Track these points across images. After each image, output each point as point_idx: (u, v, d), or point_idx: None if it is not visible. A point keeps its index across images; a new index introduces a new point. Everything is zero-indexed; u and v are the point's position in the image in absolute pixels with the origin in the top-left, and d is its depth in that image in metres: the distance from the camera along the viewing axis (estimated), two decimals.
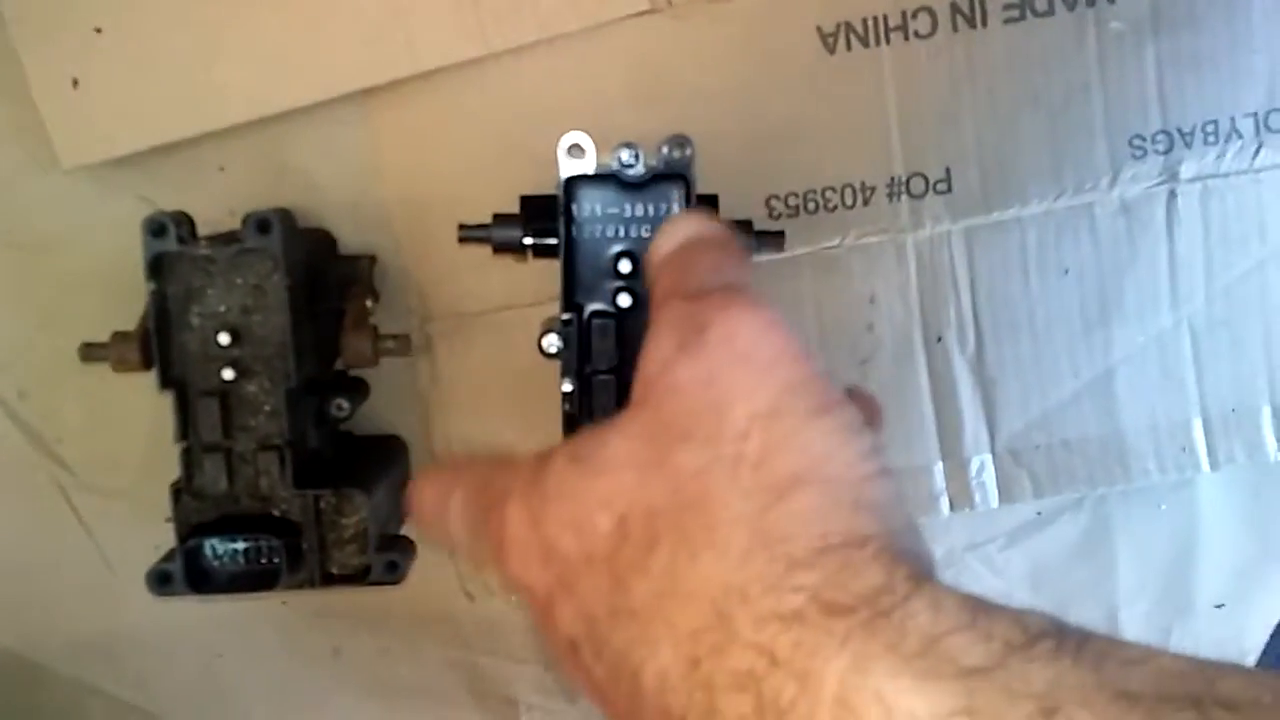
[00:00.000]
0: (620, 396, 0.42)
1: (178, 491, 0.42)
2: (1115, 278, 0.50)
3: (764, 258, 0.47)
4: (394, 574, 0.43)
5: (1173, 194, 0.49)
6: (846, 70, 0.48)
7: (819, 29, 0.48)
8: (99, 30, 0.44)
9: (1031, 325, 0.50)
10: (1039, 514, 0.52)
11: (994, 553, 0.52)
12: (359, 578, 0.43)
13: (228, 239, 0.43)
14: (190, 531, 0.42)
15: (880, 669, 0.21)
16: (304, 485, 0.42)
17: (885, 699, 0.20)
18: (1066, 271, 0.50)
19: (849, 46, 0.48)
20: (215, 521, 0.42)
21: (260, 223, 0.41)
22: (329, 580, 0.43)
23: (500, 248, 0.42)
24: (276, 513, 0.42)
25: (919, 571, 0.23)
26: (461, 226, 0.42)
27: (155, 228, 0.41)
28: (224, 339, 0.41)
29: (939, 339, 0.50)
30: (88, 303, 0.47)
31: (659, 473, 0.25)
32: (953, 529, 0.52)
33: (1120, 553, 0.53)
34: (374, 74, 0.46)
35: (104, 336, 0.46)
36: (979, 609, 0.22)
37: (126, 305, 0.43)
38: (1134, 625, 0.54)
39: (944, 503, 0.51)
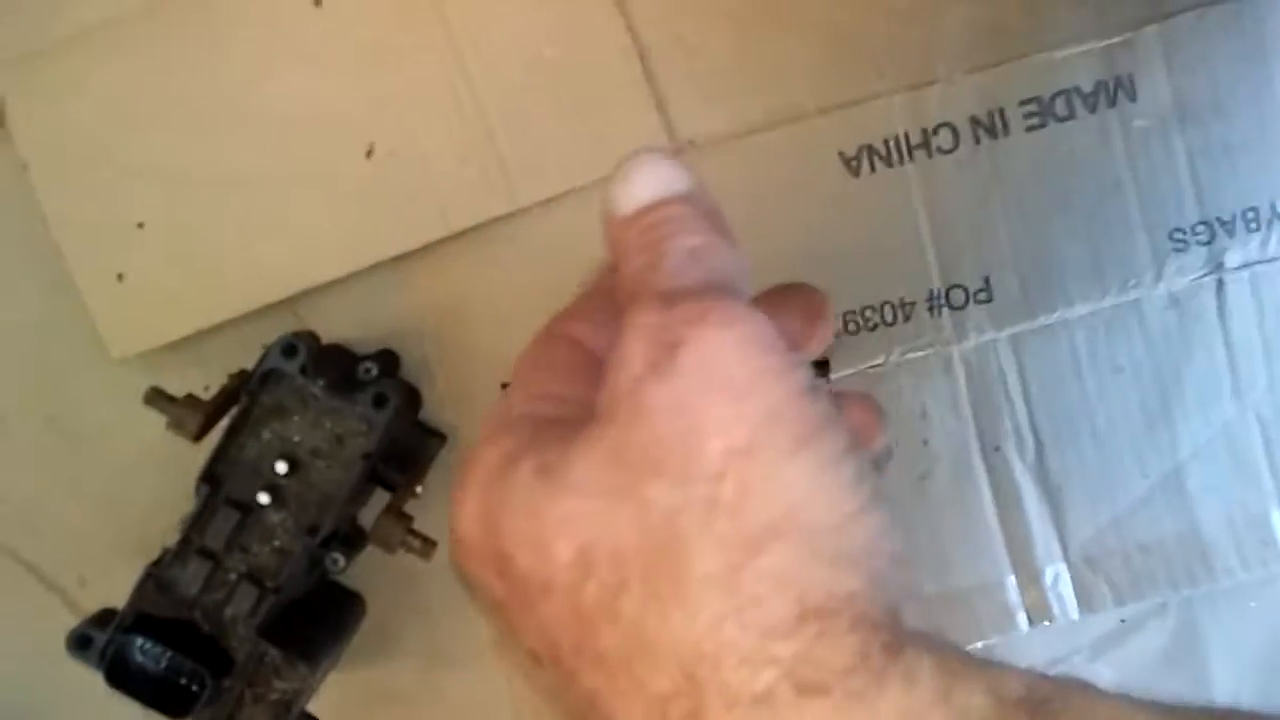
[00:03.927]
0: None
1: (148, 575, 0.41)
2: (1173, 372, 0.49)
3: None
4: None
5: (1220, 283, 0.48)
6: (873, 191, 0.48)
7: (841, 154, 0.48)
8: (141, 225, 0.45)
9: (1092, 427, 0.49)
10: (1123, 622, 0.50)
11: (1080, 665, 0.50)
12: None
13: (347, 373, 0.41)
14: (136, 619, 0.40)
15: None
16: (265, 633, 0.40)
17: None
18: (1121, 370, 0.49)
19: (873, 168, 0.48)
20: (161, 621, 0.40)
21: (378, 397, 0.40)
22: None
23: None
24: (223, 645, 0.40)
25: (896, 636, 0.22)
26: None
27: (287, 348, 0.41)
28: (280, 467, 0.41)
29: (997, 448, 0.49)
30: (142, 488, 0.48)
31: (626, 506, 0.23)
32: (1034, 644, 0.50)
33: (1212, 656, 0.50)
34: (408, 240, 0.47)
35: (160, 522, 0.47)
36: (955, 677, 0.21)
37: (180, 488, 0.44)
38: None
39: (1021, 618, 0.49)
